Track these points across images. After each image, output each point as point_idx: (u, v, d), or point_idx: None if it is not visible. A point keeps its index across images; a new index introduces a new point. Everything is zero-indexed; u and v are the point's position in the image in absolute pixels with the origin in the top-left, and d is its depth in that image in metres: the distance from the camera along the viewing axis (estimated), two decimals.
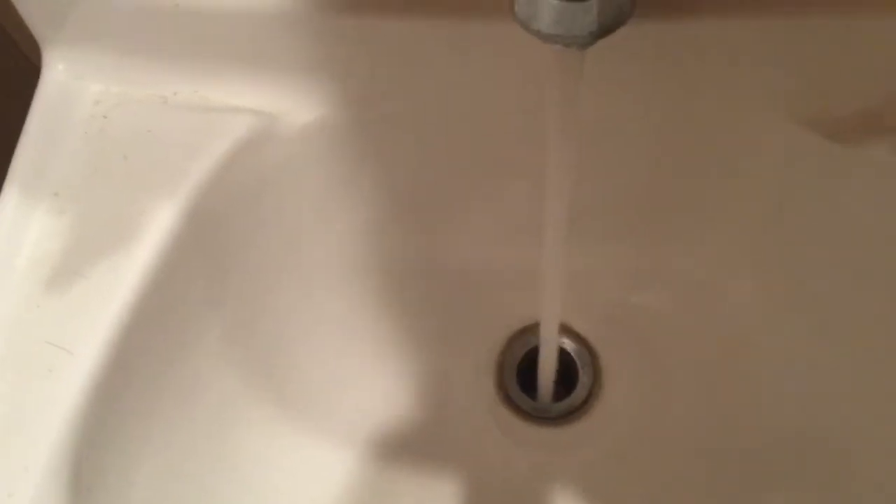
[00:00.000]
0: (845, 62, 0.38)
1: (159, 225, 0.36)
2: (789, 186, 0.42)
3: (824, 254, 0.42)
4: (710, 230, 0.45)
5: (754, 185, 0.43)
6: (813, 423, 0.41)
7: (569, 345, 0.47)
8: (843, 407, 0.41)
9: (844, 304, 0.42)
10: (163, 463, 0.37)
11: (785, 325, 0.44)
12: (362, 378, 0.46)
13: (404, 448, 0.44)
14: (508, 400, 0.46)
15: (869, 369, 0.41)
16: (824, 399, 0.42)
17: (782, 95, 0.39)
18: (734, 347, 0.45)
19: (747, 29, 0.37)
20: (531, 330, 0.48)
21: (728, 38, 0.37)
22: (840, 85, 0.38)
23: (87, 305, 0.34)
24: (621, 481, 0.44)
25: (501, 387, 0.47)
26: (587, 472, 0.44)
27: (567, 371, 0.47)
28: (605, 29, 0.29)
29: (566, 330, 0.47)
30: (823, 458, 0.40)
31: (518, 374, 0.47)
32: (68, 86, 0.38)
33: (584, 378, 0.46)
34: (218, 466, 0.41)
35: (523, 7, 0.28)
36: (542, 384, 0.45)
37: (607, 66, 0.38)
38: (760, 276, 0.45)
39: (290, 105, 0.40)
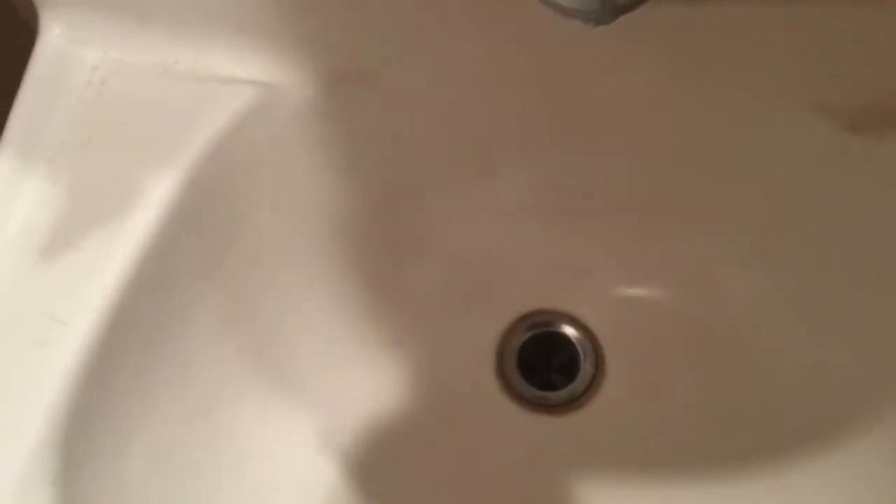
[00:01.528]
0: (866, 53, 0.37)
1: (155, 196, 0.35)
2: (803, 178, 0.41)
3: (835, 249, 0.41)
4: (719, 221, 0.44)
5: (767, 176, 0.42)
6: (817, 414, 0.41)
7: (572, 333, 0.46)
8: (850, 404, 0.40)
9: (854, 300, 0.41)
10: (155, 439, 0.36)
11: (792, 319, 0.43)
12: (358, 361, 0.45)
13: (402, 432, 0.43)
14: (509, 388, 0.45)
15: (876, 366, 0.40)
16: (829, 394, 0.41)
17: (801, 84, 0.38)
18: (739, 340, 0.44)
19: (768, 16, 0.36)
20: (532, 316, 0.47)
21: (748, 25, 0.36)
22: (860, 76, 0.38)
23: (81, 276, 0.33)
24: (621, 470, 0.43)
25: (501, 374, 0.46)
26: (586, 461, 0.43)
27: (570, 360, 0.46)
28: (625, 5, 0.28)
29: (570, 319, 0.46)
30: (830, 449, 0.40)
31: (519, 361, 0.46)
32: (65, 50, 0.37)
33: (585, 366, 0.45)
34: (210, 444, 0.40)
35: None
36: None
37: (621, 49, 0.38)
38: (769, 270, 0.44)
39: (292, 78, 0.39)
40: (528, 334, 0.47)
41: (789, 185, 0.42)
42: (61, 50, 0.37)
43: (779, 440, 0.40)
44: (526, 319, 0.47)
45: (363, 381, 0.45)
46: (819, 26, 0.36)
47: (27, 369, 0.32)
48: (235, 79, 0.37)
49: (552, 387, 0.45)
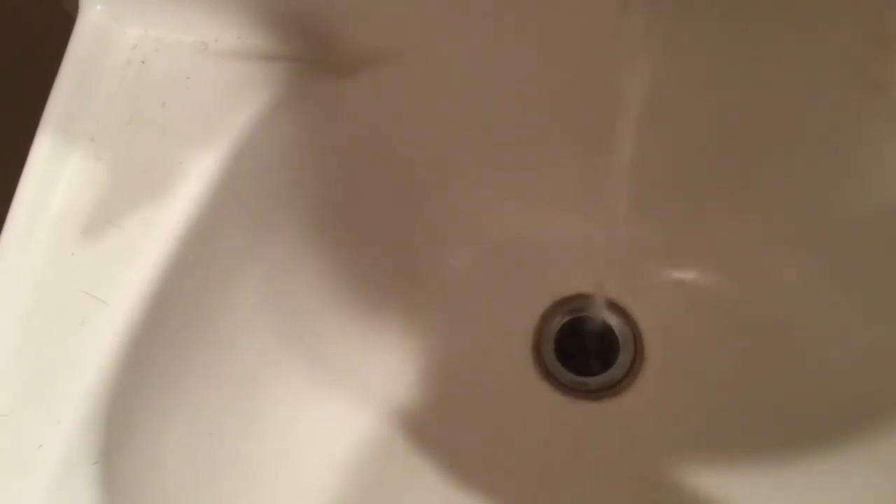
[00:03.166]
0: None
1: (197, 176, 0.34)
2: (849, 160, 0.40)
3: (880, 234, 0.40)
4: (765, 204, 0.43)
5: (811, 158, 0.41)
6: (861, 400, 0.40)
7: (610, 318, 0.45)
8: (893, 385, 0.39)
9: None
10: (193, 422, 0.36)
11: (833, 304, 0.42)
12: (396, 347, 0.45)
13: (438, 418, 0.43)
14: (546, 372, 0.45)
15: None
16: (873, 379, 0.40)
17: (851, 59, 0.37)
18: (779, 326, 0.44)
19: None
20: (570, 301, 0.46)
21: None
22: None
23: (122, 256, 0.33)
24: (659, 456, 0.42)
25: (539, 360, 0.45)
26: (624, 446, 0.42)
27: (609, 345, 0.45)
28: None
29: (609, 304, 0.46)
30: (872, 437, 0.39)
31: (556, 346, 0.46)
32: (106, 27, 0.36)
33: (624, 353, 0.45)
34: (248, 429, 0.39)
35: None
36: None
37: (664, 27, 0.37)
38: (812, 254, 0.43)
39: (331, 56, 0.38)
40: (566, 319, 0.46)
41: (839, 165, 0.41)
42: (101, 27, 0.36)
43: (826, 428, 0.40)
44: (563, 304, 0.47)
45: (400, 368, 0.44)
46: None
47: (69, 348, 0.32)
48: (275, 56, 0.37)
49: (590, 372, 0.45)
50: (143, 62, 0.36)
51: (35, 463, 0.30)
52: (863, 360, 0.40)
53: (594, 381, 0.44)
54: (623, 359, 0.45)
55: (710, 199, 0.44)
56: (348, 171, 0.42)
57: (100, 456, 0.31)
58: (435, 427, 0.42)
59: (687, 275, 0.45)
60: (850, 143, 0.39)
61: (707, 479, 0.42)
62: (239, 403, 0.39)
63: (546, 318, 0.46)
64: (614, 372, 0.44)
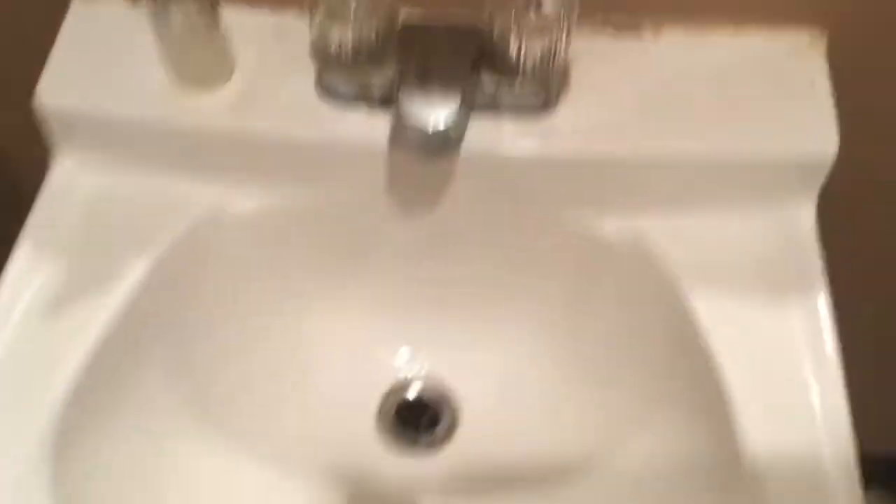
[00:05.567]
0: None
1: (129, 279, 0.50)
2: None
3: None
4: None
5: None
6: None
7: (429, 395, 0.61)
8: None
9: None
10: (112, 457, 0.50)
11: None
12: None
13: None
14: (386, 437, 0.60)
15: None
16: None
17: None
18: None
19: None
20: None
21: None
22: None
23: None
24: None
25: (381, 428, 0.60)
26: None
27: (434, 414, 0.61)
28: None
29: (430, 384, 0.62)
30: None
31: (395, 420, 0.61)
32: (72, 176, 0.53)
33: (445, 419, 0.60)
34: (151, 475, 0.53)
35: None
36: None
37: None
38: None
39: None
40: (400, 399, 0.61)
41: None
42: (69, 175, 0.52)
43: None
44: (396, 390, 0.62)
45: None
46: None
47: (27, 400, 0.46)
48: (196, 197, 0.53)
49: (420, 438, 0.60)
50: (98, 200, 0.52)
51: None
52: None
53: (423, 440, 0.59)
54: (443, 424, 0.60)
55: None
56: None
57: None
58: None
59: (485, 357, 0.61)
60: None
61: None
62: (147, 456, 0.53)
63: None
64: (437, 433, 0.60)
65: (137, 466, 0.51)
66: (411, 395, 0.61)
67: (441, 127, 0.44)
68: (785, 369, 0.48)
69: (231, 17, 0.51)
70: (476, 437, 0.60)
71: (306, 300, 0.60)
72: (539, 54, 0.47)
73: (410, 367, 0.62)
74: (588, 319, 0.58)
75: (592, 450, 0.56)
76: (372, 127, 0.50)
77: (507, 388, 0.60)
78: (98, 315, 0.49)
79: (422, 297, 0.60)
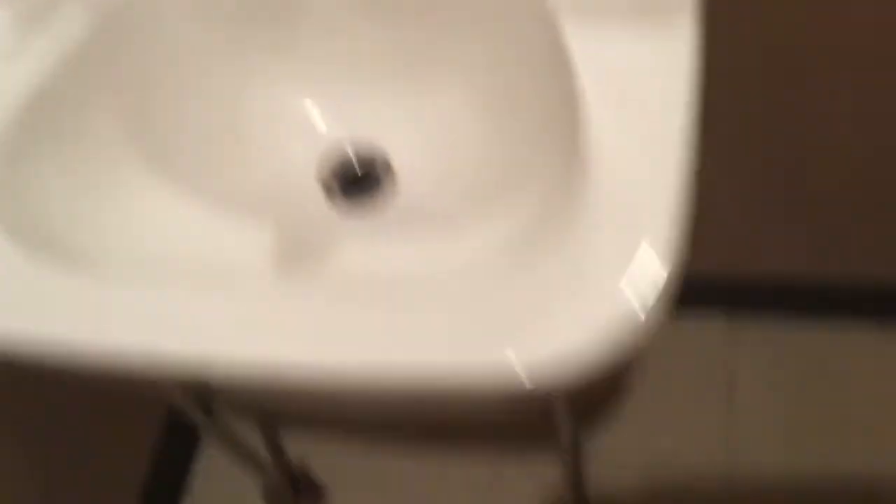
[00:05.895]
0: None
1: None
2: None
3: None
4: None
5: None
6: None
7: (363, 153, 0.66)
8: None
9: None
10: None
11: None
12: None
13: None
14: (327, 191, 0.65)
15: None
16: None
17: None
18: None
19: None
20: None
21: None
22: None
23: None
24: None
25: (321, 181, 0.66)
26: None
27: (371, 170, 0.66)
28: None
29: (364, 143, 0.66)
30: None
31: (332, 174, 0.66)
32: None
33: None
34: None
35: None
36: None
37: None
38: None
39: None
40: (337, 156, 0.66)
41: None
42: None
43: None
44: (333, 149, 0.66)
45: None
46: None
47: None
48: None
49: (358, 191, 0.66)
50: None
51: None
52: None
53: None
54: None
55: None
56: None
57: None
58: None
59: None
60: None
61: None
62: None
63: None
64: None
65: (80, 195, 0.59)
66: (349, 153, 0.67)
67: None
68: (641, 97, 0.49)
69: None
70: (409, 185, 0.65)
71: (244, 60, 0.65)
72: None
73: (346, 126, 0.67)
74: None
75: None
76: None
77: (434, 143, 0.65)
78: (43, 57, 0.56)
79: (355, 59, 0.65)
